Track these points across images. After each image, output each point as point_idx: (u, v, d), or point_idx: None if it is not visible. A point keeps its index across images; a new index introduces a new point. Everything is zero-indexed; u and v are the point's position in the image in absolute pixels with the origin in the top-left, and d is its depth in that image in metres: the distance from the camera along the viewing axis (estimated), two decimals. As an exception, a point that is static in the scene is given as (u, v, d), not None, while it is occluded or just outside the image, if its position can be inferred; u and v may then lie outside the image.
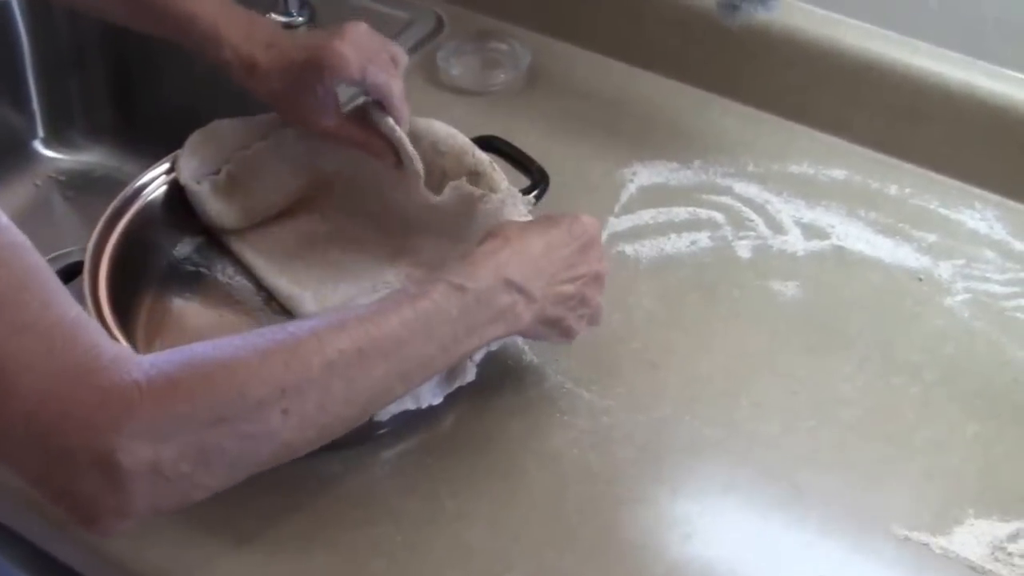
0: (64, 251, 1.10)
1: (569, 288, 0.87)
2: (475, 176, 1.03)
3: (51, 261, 1.21)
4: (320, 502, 0.91)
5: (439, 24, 1.37)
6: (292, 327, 0.74)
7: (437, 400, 0.91)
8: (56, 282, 0.68)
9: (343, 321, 0.75)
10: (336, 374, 0.72)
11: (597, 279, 0.90)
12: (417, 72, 1.30)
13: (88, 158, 1.51)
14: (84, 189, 1.49)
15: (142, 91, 1.47)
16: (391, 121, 0.99)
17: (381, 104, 1.01)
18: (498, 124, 1.22)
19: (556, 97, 1.27)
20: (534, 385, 0.99)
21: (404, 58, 1.02)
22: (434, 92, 1.28)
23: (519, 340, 1.01)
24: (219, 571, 0.86)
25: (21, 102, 1.49)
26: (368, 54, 0.97)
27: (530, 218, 0.99)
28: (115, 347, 0.67)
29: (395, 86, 0.99)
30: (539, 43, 1.33)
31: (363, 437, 0.93)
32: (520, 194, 1.01)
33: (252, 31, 1.00)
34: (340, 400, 0.73)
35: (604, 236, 1.11)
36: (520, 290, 0.82)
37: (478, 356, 0.91)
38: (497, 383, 0.98)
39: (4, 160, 1.48)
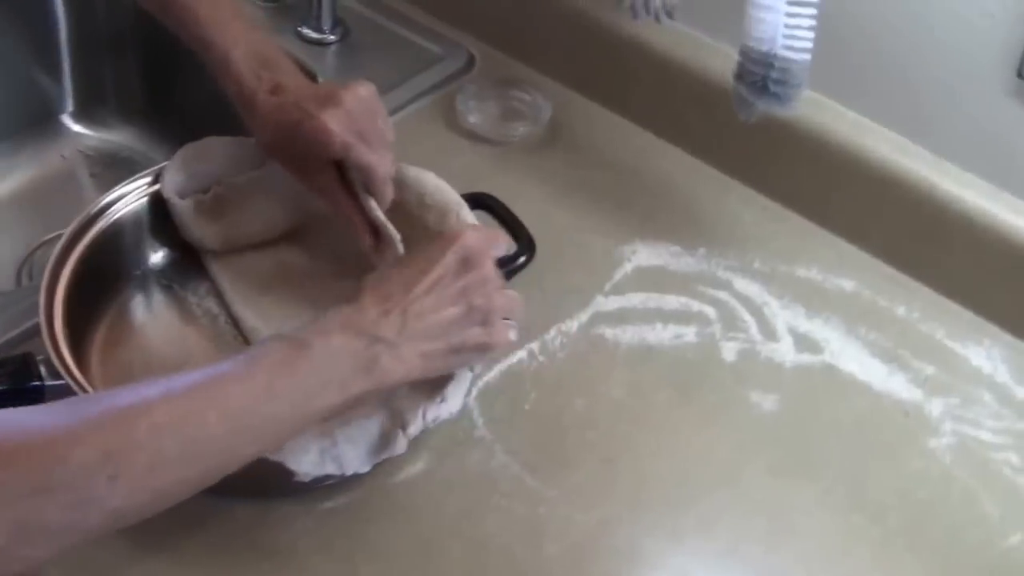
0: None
1: (452, 312, 0.85)
2: (455, 237, 1.02)
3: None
4: (234, 547, 0.90)
5: (469, 63, 1.35)
6: (120, 390, 0.72)
7: (364, 468, 0.89)
8: None
9: (174, 384, 0.73)
10: (166, 436, 0.70)
11: (484, 284, 0.86)
12: (436, 111, 1.29)
13: (117, 138, 1.52)
14: (110, 167, 1.50)
15: (177, 79, 1.48)
16: (373, 204, 0.97)
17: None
18: (507, 177, 1.21)
19: (572, 158, 1.25)
20: (480, 462, 0.97)
21: (392, 135, 0.99)
22: (449, 135, 1.27)
23: (474, 412, 1.00)
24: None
25: (53, 74, 1.50)
26: (359, 128, 0.95)
27: None
28: None
29: (380, 167, 0.96)
30: (564, 97, 1.32)
31: (285, 490, 0.91)
32: None
33: (262, 72, 0.99)
34: (174, 462, 0.71)
35: (587, 315, 1.09)
36: (377, 340, 0.81)
37: (413, 429, 0.89)
38: (443, 454, 0.97)
39: (32, 128, 1.49)
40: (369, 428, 0.89)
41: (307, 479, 0.87)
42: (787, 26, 1.01)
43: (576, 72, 1.32)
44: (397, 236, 0.97)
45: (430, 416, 0.90)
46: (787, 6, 1.00)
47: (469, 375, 0.95)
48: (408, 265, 0.86)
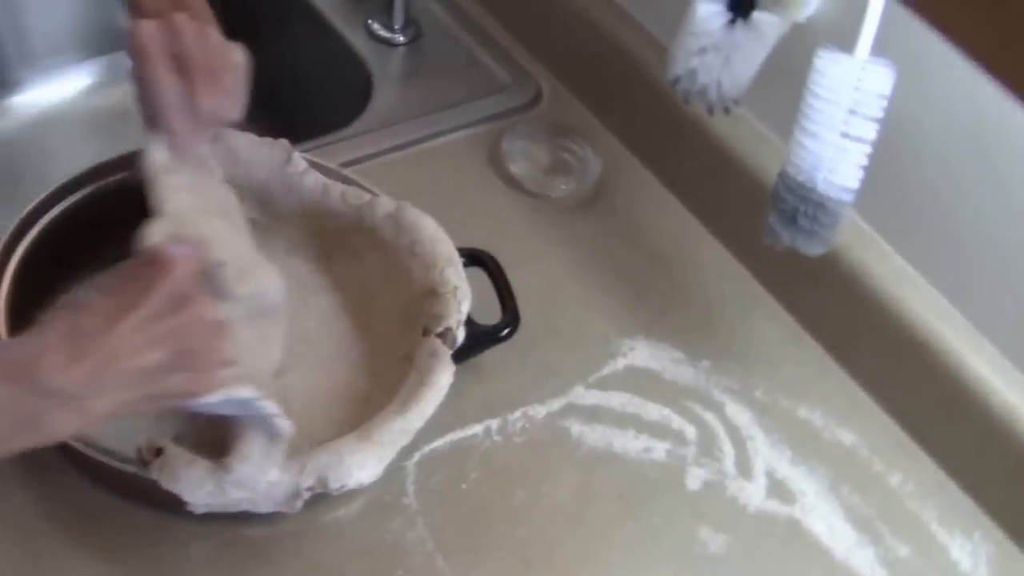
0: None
1: (154, 357, 0.74)
2: (432, 296, 1.00)
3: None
4: (121, 554, 0.92)
5: (536, 98, 1.33)
6: None
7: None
8: None
9: None
10: None
11: (199, 323, 0.76)
12: (482, 143, 1.27)
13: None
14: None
15: (258, 31, 1.48)
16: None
17: None
18: (531, 234, 1.19)
19: (606, 225, 1.22)
20: (397, 531, 0.96)
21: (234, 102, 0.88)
22: (487, 173, 1.25)
23: (409, 478, 0.99)
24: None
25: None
26: (181, 53, 0.85)
27: (451, 369, 0.96)
28: None
29: (162, 88, 0.85)
30: (619, 156, 1.29)
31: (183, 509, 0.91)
32: (445, 353, 0.97)
33: (164, 5, 0.90)
34: None
35: (560, 404, 1.06)
36: (51, 394, 0.70)
37: (314, 489, 0.88)
38: (363, 512, 0.96)
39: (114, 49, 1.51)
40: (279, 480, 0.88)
41: (198, 512, 0.88)
42: (833, 159, 0.96)
43: (637, 134, 1.28)
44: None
45: (334, 484, 0.89)
46: (839, 138, 0.96)
47: (398, 446, 0.94)
48: (114, 292, 0.75)
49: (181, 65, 0.85)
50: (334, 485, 0.89)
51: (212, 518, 0.90)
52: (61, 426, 0.73)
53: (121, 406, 0.74)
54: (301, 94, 1.44)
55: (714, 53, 1.04)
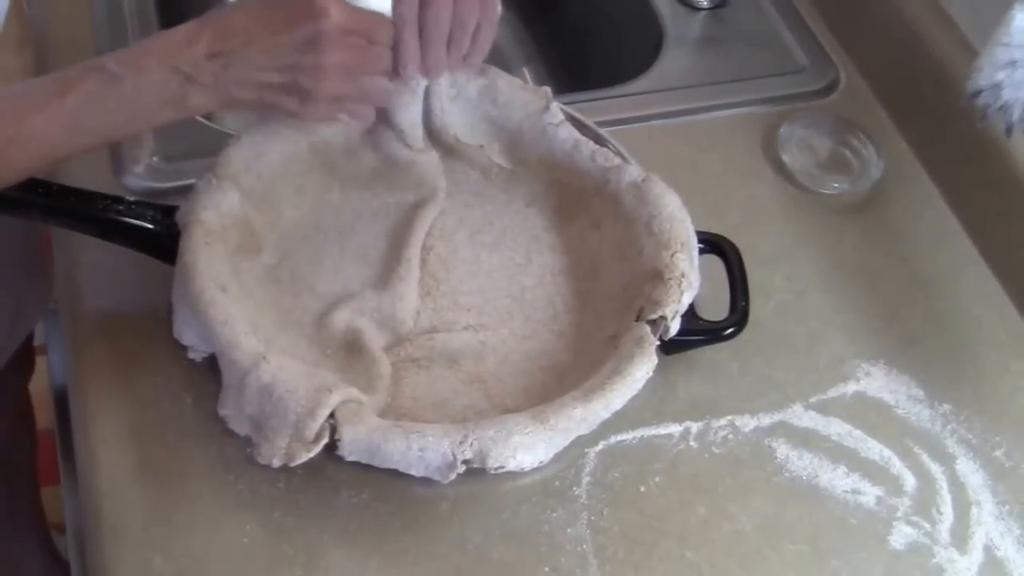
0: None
1: (272, 78, 0.76)
2: (656, 279, 0.83)
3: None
4: (272, 494, 0.79)
5: (830, 87, 1.10)
6: None
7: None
8: None
9: None
10: None
11: (319, 70, 0.76)
12: (759, 125, 1.07)
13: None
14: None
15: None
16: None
17: None
18: (786, 228, 1.00)
19: (872, 235, 1.00)
20: (556, 523, 0.80)
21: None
22: (755, 157, 1.04)
23: (586, 468, 0.82)
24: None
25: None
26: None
27: (651, 362, 0.78)
28: None
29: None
30: (906, 163, 1.05)
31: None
32: (651, 343, 0.79)
33: None
34: None
35: (772, 420, 0.87)
36: (191, 80, 0.74)
37: (471, 463, 0.73)
38: (526, 495, 0.81)
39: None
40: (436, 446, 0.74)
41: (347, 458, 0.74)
42: None
43: (930, 143, 1.04)
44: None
45: (493, 462, 0.73)
46: None
47: (573, 435, 0.77)
48: (261, 19, 0.75)
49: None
50: (492, 464, 0.74)
51: (368, 468, 0.77)
52: (191, 108, 0.76)
53: (240, 102, 0.77)
54: (590, 44, 1.27)
55: (1025, 69, 0.79)
